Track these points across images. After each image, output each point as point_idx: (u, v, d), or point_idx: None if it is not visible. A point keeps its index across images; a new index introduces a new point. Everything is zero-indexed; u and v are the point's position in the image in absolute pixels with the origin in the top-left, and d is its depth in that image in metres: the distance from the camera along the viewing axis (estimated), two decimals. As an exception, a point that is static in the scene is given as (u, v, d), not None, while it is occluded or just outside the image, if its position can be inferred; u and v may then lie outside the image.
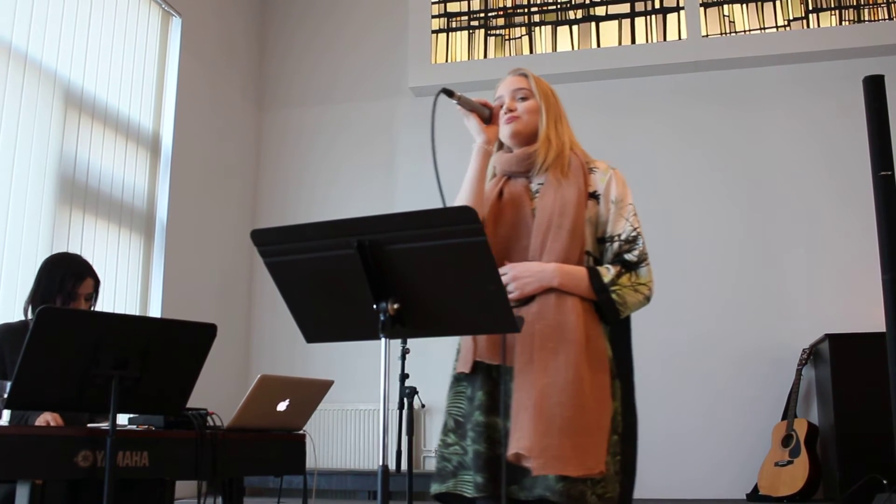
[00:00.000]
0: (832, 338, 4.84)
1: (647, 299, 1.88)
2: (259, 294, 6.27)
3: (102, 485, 2.07)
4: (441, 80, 6.19)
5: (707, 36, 5.95)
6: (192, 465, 2.39)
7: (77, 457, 2.11)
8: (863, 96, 3.35)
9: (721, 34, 5.95)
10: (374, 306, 1.61)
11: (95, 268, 2.99)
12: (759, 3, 5.96)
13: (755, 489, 4.98)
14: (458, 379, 1.94)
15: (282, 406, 2.67)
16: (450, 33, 6.39)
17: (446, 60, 6.33)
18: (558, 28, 6.24)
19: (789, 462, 4.88)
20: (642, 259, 1.88)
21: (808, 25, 5.86)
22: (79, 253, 4.42)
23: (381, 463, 1.56)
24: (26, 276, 4.12)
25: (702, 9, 5.99)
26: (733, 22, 5.97)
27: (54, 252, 4.26)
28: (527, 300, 1.86)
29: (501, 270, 1.83)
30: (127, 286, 5.00)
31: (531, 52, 6.24)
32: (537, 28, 6.28)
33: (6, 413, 2.65)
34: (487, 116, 2.01)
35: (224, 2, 6.23)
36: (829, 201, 5.54)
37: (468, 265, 1.57)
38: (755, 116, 5.80)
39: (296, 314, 1.74)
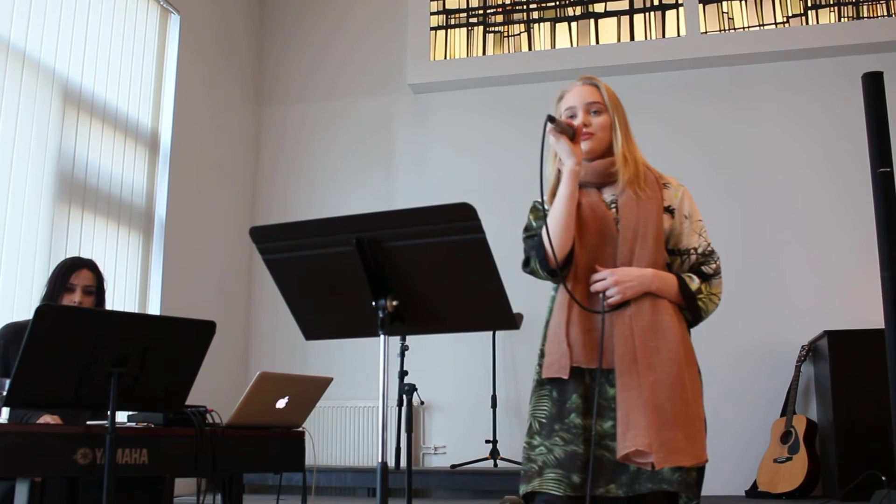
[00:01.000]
0: (831, 334, 4.84)
1: (715, 307, 2.04)
2: (258, 291, 6.27)
3: (102, 482, 2.07)
4: (439, 77, 6.20)
5: (706, 32, 5.94)
6: (192, 463, 2.40)
7: (76, 454, 2.11)
8: (862, 93, 3.36)
9: (720, 31, 5.95)
10: (373, 303, 1.61)
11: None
12: (758, 0, 5.96)
13: (754, 485, 4.99)
14: (542, 383, 2.01)
15: (281, 403, 2.67)
16: (448, 30, 6.38)
17: (445, 57, 6.32)
18: (557, 25, 6.23)
19: (788, 458, 4.88)
20: (717, 272, 2.04)
21: (807, 22, 5.86)
22: (77, 250, 4.44)
23: (380, 460, 1.57)
24: (25, 273, 4.12)
25: (701, 5, 5.99)
26: (732, 18, 5.97)
27: (52, 248, 4.28)
28: (622, 303, 1.94)
29: (601, 275, 1.95)
30: (126, 283, 5.00)
31: (530, 48, 6.23)
32: (536, 25, 6.27)
33: (5, 412, 2.65)
34: (572, 136, 2.02)
35: (222, -1, 6.23)
36: (827, 198, 5.54)
37: (467, 262, 1.58)
38: (754, 113, 5.80)
39: (295, 311, 1.74)
